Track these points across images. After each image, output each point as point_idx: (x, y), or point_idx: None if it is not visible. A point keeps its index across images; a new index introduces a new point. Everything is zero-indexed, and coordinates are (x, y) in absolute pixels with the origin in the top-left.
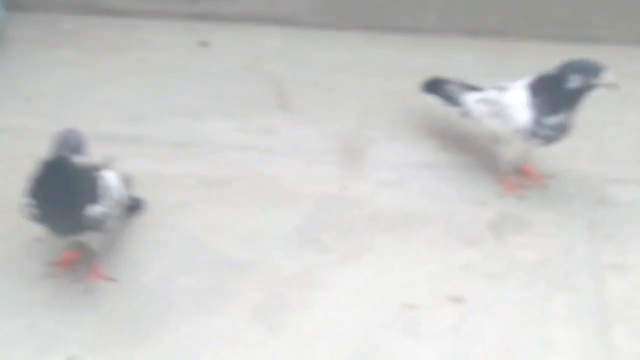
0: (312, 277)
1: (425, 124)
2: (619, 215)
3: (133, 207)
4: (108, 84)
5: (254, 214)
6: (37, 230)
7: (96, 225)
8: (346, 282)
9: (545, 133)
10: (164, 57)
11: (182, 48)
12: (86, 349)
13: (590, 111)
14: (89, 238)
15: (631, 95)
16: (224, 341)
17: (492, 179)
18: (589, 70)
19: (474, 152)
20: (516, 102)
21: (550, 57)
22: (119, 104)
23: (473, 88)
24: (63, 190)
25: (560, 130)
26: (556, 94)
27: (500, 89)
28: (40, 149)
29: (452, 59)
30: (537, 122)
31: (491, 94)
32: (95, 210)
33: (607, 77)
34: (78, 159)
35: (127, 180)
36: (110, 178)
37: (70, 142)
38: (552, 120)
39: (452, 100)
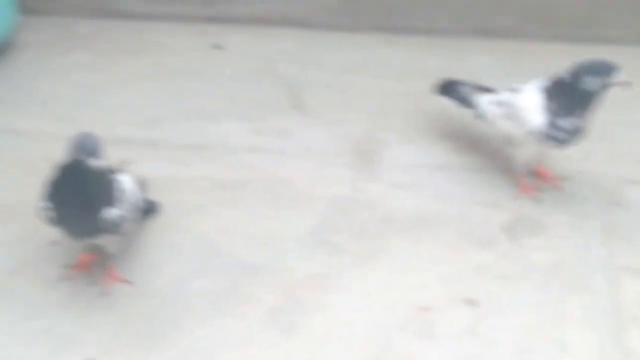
0: (325, 279)
1: (439, 125)
2: (633, 217)
3: (148, 210)
4: (123, 88)
5: (268, 216)
6: (53, 233)
7: (112, 228)
8: (360, 284)
9: (560, 136)
10: (178, 60)
11: (197, 51)
12: (102, 351)
13: (604, 113)
14: (105, 241)
15: None
16: (238, 343)
17: (505, 181)
18: (603, 71)
19: (488, 154)
20: (530, 105)
21: (564, 58)
22: (134, 107)
23: (487, 90)
24: (80, 194)
25: (575, 133)
26: (571, 97)
27: (514, 90)
28: (57, 153)
29: (466, 60)
30: (552, 125)
31: (505, 96)
32: (111, 213)
33: (620, 75)
34: (94, 162)
35: (142, 183)
36: (125, 181)
37: (86, 146)
38: (567, 123)
39: (465, 102)
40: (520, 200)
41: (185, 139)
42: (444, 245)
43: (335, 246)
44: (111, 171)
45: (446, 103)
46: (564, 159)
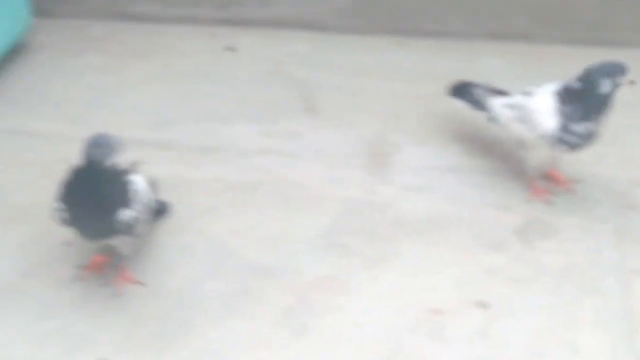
0: (336, 281)
1: (451, 128)
2: None
3: (159, 210)
4: (136, 90)
5: (279, 218)
6: (67, 234)
7: (126, 229)
8: (371, 286)
9: (572, 140)
10: (190, 62)
11: (209, 53)
12: (115, 352)
13: (615, 116)
14: (119, 242)
15: None
16: (249, 345)
17: (517, 184)
18: (614, 71)
19: (500, 156)
20: (543, 108)
21: (577, 61)
22: (147, 109)
23: (500, 92)
24: (94, 195)
25: (588, 138)
26: (585, 101)
27: (527, 94)
28: (70, 154)
29: (479, 63)
30: (565, 129)
31: (518, 99)
32: (126, 214)
33: (629, 75)
34: (111, 160)
35: (153, 184)
36: (138, 182)
37: (104, 144)
38: (581, 127)
39: (478, 104)
40: (532, 203)
41: (197, 141)
42: (456, 247)
43: (346, 248)
44: (125, 172)
45: (458, 105)
46: (576, 162)
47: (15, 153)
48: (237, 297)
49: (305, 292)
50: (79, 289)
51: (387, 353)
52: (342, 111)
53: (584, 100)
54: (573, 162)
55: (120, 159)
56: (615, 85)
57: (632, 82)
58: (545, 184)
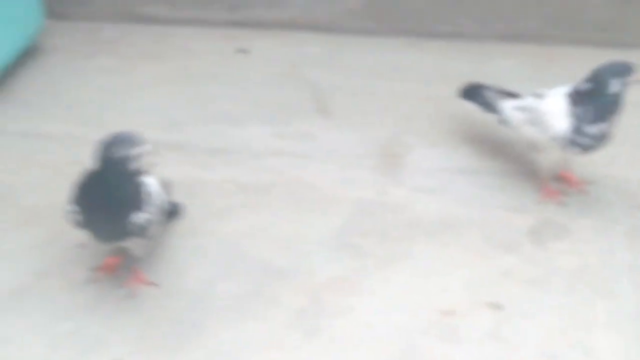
0: (349, 282)
1: (464, 129)
2: None
3: (172, 212)
4: (148, 92)
5: (292, 219)
6: (80, 236)
7: (140, 231)
8: (383, 287)
9: (585, 142)
10: (203, 64)
11: (221, 55)
12: (128, 353)
13: (627, 117)
14: (132, 244)
15: None
16: (262, 346)
17: (530, 185)
18: (624, 71)
19: (513, 158)
20: (554, 110)
21: (588, 62)
22: (159, 111)
23: (511, 94)
24: (108, 197)
25: (600, 139)
26: (597, 101)
27: (538, 96)
28: (82, 156)
29: (490, 64)
30: (577, 131)
31: (529, 101)
32: (140, 217)
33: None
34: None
35: (166, 185)
36: (152, 184)
37: (126, 142)
38: (594, 129)
39: (489, 106)
40: (544, 204)
41: (210, 142)
42: (468, 249)
43: (358, 249)
44: (139, 173)
45: (470, 107)
46: (588, 163)
47: (27, 155)
48: (249, 298)
49: (318, 293)
50: (93, 290)
51: (399, 354)
52: (354, 112)
53: (595, 101)
54: (585, 164)
55: (144, 156)
56: (624, 85)
57: (638, 82)
58: (557, 185)
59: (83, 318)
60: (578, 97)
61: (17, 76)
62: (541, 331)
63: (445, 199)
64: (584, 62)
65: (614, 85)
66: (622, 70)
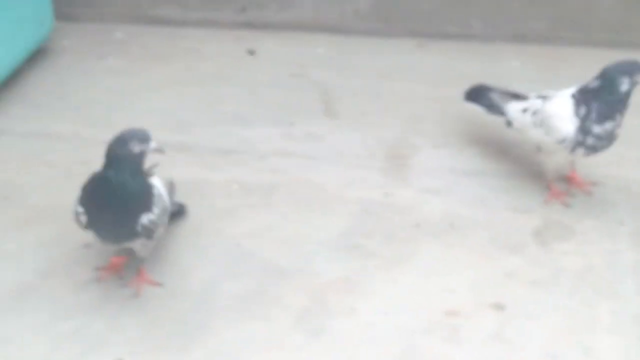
0: (354, 283)
1: (470, 131)
2: None
3: (176, 213)
4: (156, 92)
5: (298, 220)
6: (86, 236)
7: (147, 233)
8: (388, 288)
9: (591, 142)
10: (211, 65)
11: (229, 56)
12: (132, 352)
13: (632, 118)
14: (138, 245)
15: None
16: (266, 346)
17: (536, 187)
18: (633, 70)
19: (519, 159)
20: (560, 112)
21: (597, 63)
22: (167, 111)
23: (516, 96)
24: (118, 198)
25: (607, 139)
26: (605, 100)
27: (545, 98)
28: (90, 156)
29: (499, 65)
30: (584, 131)
31: (535, 103)
32: (147, 218)
33: None
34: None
35: (171, 187)
36: (158, 185)
37: (136, 138)
38: (600, 128)
39: (494, 108)
40: (549, 205)
41: (217, 143)
42: (473, 250)
43: (364, 250)
44: (146, 175)
45: (476, 109)
46: (593, 164)
47: (36, 155)
48: (253, 298)
49: (321, 293)
50: (97, 290)
51: (401, 354)
52: (361, 113)
53: (602, 100)
54: (590, 165)
55: (152, 152)
56: (634, 84)
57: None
58: (562, 186)
59: (87, 317)
60: (585, 95)
61: (27, 77)
62: (544, 332)
63: (451, 200)
64: (592, 62)
65: (623, 84)
66: (631, 69)
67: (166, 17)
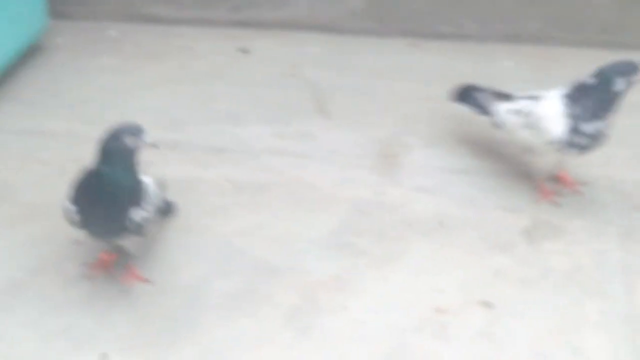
0: (344, 281)
1: (462, 130)
2: None
3: (166, 210)
4: (149, 91)
5: (289, 218)
6: (76, 232)
7: (138, 229)
8: (378, 286)
9: (582, 142)
10: (204, 63)
11: (223, 55)
12: (121, 348)
13: (623, 118)
14: (128, 241)
15: None
16: (255, 343)
17: (526, 186)
18: (629, 70)
19: (509, 159)
20: (550, 114)
21: (591, 63)
22: (160, 109)
23: (504, 96)
24: (108, 192)
25: (597, 139)
26: (598, 99)
27: (534, 98)
28: (84, 154)
29: (492, 65)
30: (574, 131)
31: (523, 104)
32: (138, 214)
33: None
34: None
35: (161, 184)
36: (149, 183)
37: (130, 129)
38: (591, 127)
39: (482, 109)
40: (539, 204)
41: (210, 141)
42: (463, 248)
43: (355, 248)
44: (137, 171)
45: (464, 110)
46: (583, 164)
47: (29, 153)
48: (243, 296)
49: (311, 291)
50: (87, 287)
51: (391, 352)
52: (354, 113)
53: (595, 98)
54: (580, 164)
55: (145, 146)
56: (629, 84)
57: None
58: (552, 185)
59: (76, 314)
60: (578, 93)
61: (20, 75)
62: (532, 331)
63: (442, 199)
64: (586, 63)
65: (618, 84)
66: (627, 70)
67: (160, 15)
